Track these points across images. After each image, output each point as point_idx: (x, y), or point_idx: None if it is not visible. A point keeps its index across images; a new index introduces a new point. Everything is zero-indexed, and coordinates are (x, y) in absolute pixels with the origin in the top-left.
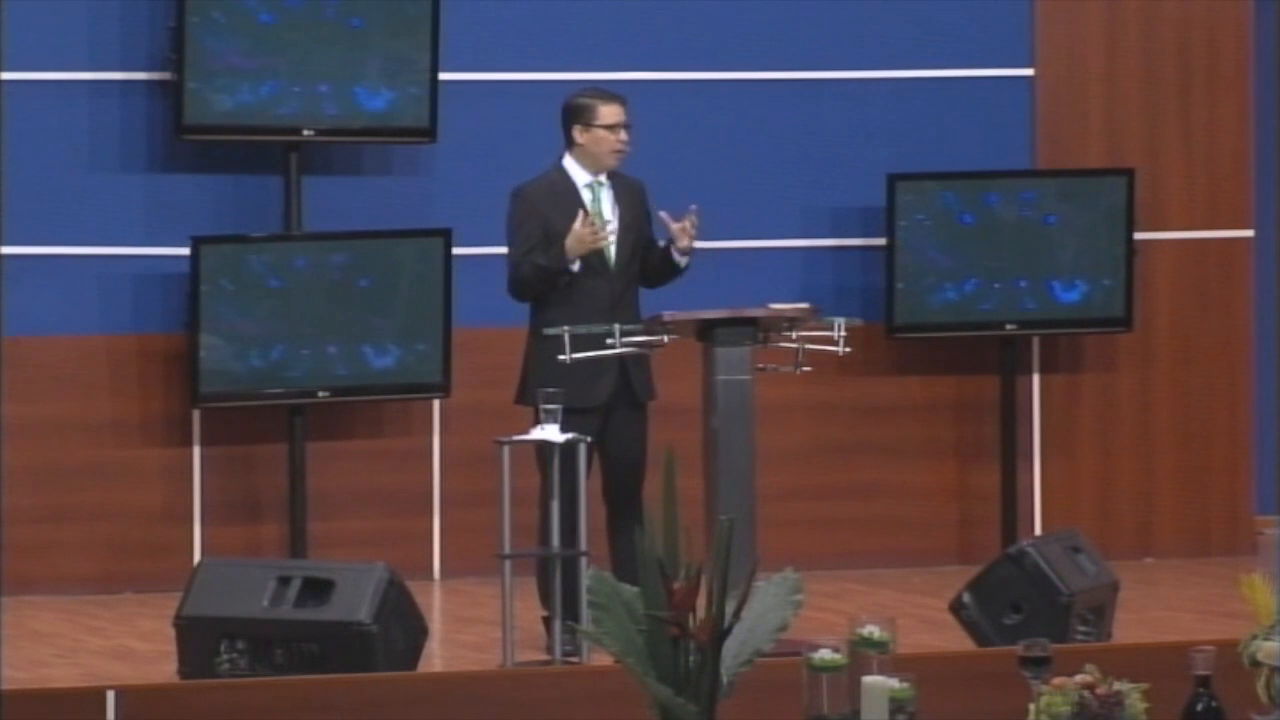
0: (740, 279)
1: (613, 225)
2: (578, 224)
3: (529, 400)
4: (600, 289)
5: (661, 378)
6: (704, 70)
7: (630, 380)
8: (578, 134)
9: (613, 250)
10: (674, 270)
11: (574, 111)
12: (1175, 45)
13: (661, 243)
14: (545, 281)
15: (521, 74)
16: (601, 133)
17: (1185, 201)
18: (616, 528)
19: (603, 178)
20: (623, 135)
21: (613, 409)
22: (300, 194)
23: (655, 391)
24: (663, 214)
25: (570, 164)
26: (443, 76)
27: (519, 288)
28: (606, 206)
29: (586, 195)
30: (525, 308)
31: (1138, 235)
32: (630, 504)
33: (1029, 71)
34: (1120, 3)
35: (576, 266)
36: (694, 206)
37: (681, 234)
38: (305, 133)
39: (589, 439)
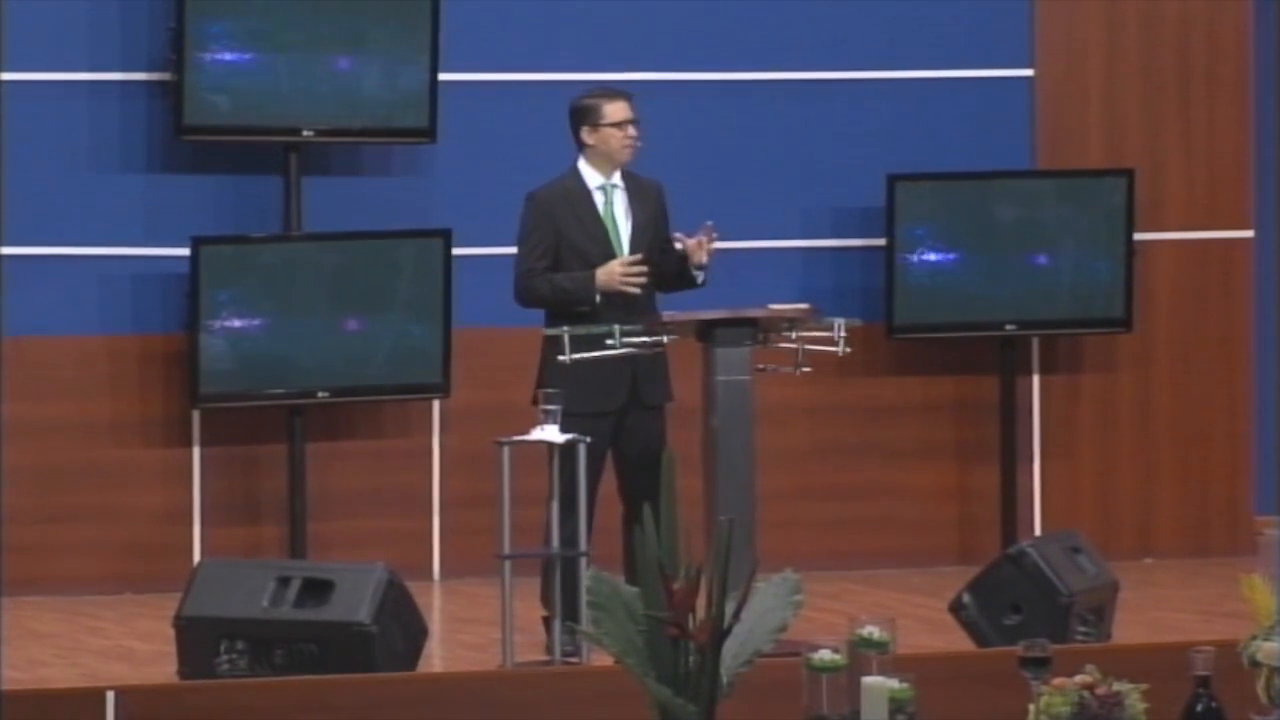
0: (740, 279)
1: (626, 229)
2: (617, 263)
3: None
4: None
5: None
6: (704, 71)
7: (639, 384)
8: (586, 135)
9: (625, 252)
10: (690, 284)
11: (580, 113)
12: (1175, 45)
13: (678, 245)
14: (564, 305)
15: (521, 74)
16: (609, 130)
17: (1185, 202)
18: (632, 528)
19: (616, 179)
20: (631, 131)
21: (626, 412)
22: (300, 194)
23: (671, 394)
24: (678, 234)
25: (584, 167)
26: (443, 77)
27: (529, 298)
28: (620, 210)
29: (599, 198)
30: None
31: (1137, 235)
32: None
33: (1029, 71)
34: (1120, 3)
35: (598, 299)
36: (709, 223)
37: (697, 250)
38: (305, 133)
39: (589, 440)
